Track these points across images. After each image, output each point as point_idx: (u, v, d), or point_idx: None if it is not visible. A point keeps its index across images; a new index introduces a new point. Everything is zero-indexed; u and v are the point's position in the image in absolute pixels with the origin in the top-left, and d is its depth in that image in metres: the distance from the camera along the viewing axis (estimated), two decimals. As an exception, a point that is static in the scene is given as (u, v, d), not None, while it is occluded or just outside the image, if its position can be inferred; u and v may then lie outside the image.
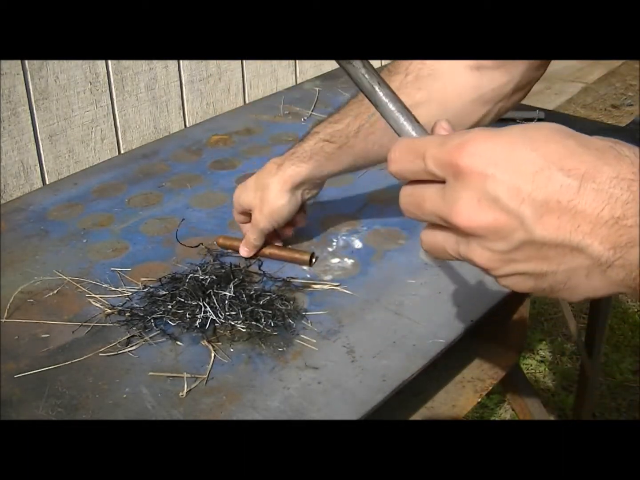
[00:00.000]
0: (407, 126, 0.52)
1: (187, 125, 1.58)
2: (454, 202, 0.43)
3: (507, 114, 1.51)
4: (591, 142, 0.43)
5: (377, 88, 0.53)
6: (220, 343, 0.90)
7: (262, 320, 0.92)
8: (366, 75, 0.54)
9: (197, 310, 0.93)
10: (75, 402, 0.82)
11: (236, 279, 0.98)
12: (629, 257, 0.41)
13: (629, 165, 0.41)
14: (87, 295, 1.00)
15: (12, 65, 1.25)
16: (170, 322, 0.93)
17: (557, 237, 0.41)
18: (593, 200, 0.40)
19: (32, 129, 1.31)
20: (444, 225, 0.45)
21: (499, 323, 1.16)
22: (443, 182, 0.44)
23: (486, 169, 0.42)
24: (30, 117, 1.30)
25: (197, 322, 0.92)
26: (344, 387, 0.83)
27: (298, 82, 1.80)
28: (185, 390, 0.83)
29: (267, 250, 1.06)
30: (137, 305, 0.97)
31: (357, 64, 0.53)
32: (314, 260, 1.05)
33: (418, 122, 0.51)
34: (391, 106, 0.52)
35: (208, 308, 0.93)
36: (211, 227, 1.16)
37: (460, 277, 1.01)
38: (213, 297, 0.95)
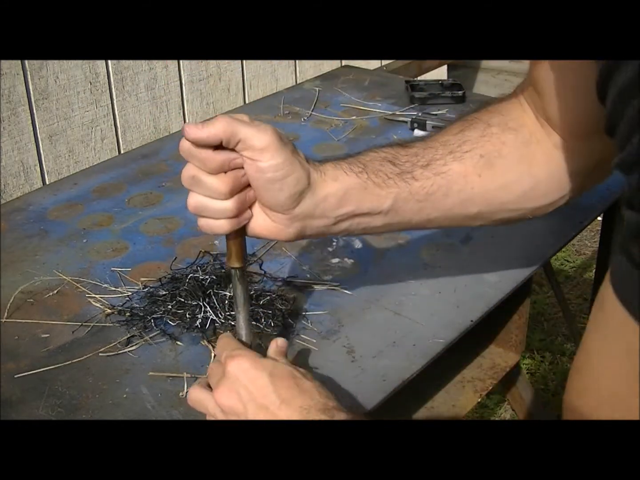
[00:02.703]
0: (243, 329, 0.77)
1: (187, 125, 1.58)
2: (218, 385, 0.70)
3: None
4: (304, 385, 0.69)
5: (242, 294, 0.76)
6: (220, 343, 0.90)
7: (262, 320, 0.92)
8: (240, 281, 0.75)
9: (197, 310, 0.93)
10: (75, 402, 0.82)
11: (236, 279, 0.98)
12: None
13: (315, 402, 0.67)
14: (87, 295, 1.00)
15: (12, 65, 1.25)
16: (170, 322, 0.93)
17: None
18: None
19: (32, 129, 1.31)
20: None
21: (499, 323, 1.16)
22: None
23: (239, 376, 0.69)
24: (30, 117, 1.30)
25: (197, 322, 0.92)
26: (344, 387, 0.83)
27: (298, 82, 1.80)
28: (185, 390, 0.83)
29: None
30: (137, 305, 0.97)
31: (238, 273, 0.75)
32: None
33: (252, 331, 0.79)
34: (243, 309, 0.76)
35: (208, 308, 0.93)
36: (211, 227, 1.16)
37: (460, 277, 1.01)
38: (213, 297, 0.95)
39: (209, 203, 0.68)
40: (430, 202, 0.76)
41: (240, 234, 0.72)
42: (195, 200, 0.69)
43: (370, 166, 0.74)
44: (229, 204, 0.68)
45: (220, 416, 0.70)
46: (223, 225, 0.69)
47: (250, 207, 0.71)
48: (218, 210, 0.68)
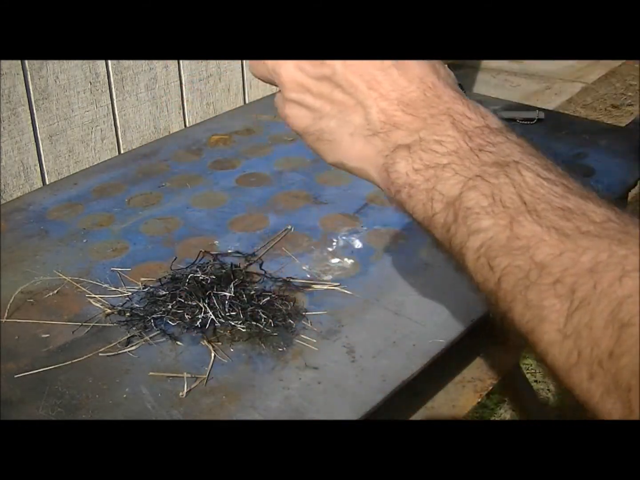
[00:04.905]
0: None
1: (187, 125, 1.58)
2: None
3: (507, 114, 1.52)
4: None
5: None
6: (220, 343, 0.90)
7: (262, 320, 0.92)
8: None
9: (197, 310, 0.93)
10: (75, 402, 0.82)
11: (236, 279, 0.98)
12: (391, 135, 0.47)
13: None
14: (87, 295, 1.00)
15: (12, 65, 1.25)
16: (170, 322, 0.93)
17: (352, 84, 0.48)
18: (394, 82, 0.47)
19: (32, 129, 1.31)
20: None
21: (499, 323, 1.16)
22: None
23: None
24: (30, 117, 1.30)
25: (197, 322, 0.92)
26: (344, 387, 0.83)
27: (298, 82, 1.80)
28: (185, 390, 0.83)
29: None
30: (137, 305, 0.97)
31: None
32: None
33: None
34: None
35: (208, 308, 0.93)
36: (211, 227, 1.16)
37: (460, 277, 1.01)
38: (213, 297, 0.95)
39: None
40: None
41: None
42: None
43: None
44: None
45: (289, 64, 0.53)
46: None
47: None
48: None
